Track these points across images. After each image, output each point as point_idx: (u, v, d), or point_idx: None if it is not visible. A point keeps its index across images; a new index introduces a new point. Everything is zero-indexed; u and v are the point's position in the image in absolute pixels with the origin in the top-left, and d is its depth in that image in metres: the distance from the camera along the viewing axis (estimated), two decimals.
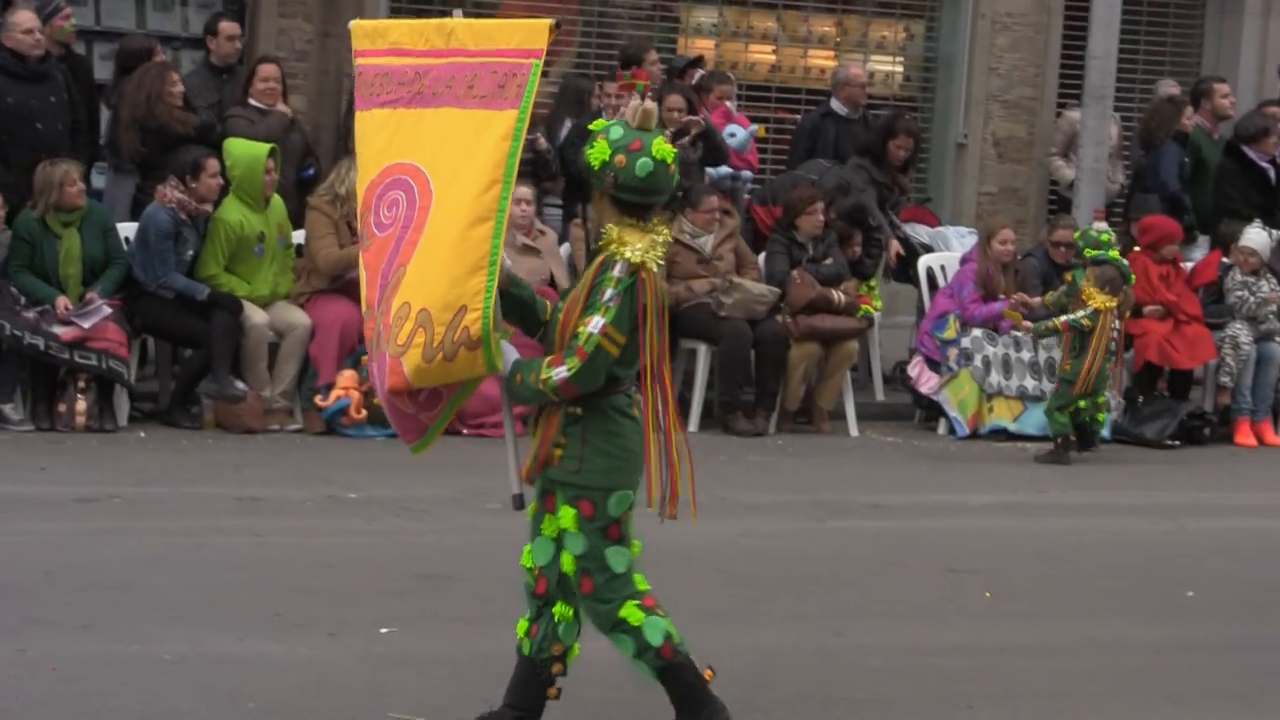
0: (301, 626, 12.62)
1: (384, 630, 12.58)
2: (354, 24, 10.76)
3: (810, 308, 19.77)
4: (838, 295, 19.89)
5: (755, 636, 12.89)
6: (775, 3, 25.39)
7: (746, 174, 21.53)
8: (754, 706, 11.40)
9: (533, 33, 9.83)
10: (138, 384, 18.87)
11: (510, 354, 9.63)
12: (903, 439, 19.89)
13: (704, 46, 24.56)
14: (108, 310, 18.13)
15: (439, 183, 9.73)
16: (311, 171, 19.68)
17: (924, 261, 21.23)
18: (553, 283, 19.20)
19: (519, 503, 9.90)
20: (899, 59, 25.52)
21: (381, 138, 10.16)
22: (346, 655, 12.10)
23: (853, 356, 20.22)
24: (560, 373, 9.33)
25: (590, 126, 9.60)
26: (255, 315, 18.50)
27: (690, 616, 13.06)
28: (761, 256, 20.22)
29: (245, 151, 18.53)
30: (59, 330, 17.83)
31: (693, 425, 19.72)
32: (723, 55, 24.68)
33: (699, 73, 22.56)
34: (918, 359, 20.30)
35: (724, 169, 21.38)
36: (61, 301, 17.96)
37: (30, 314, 17.83)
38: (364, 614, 12.89)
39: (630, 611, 9.72)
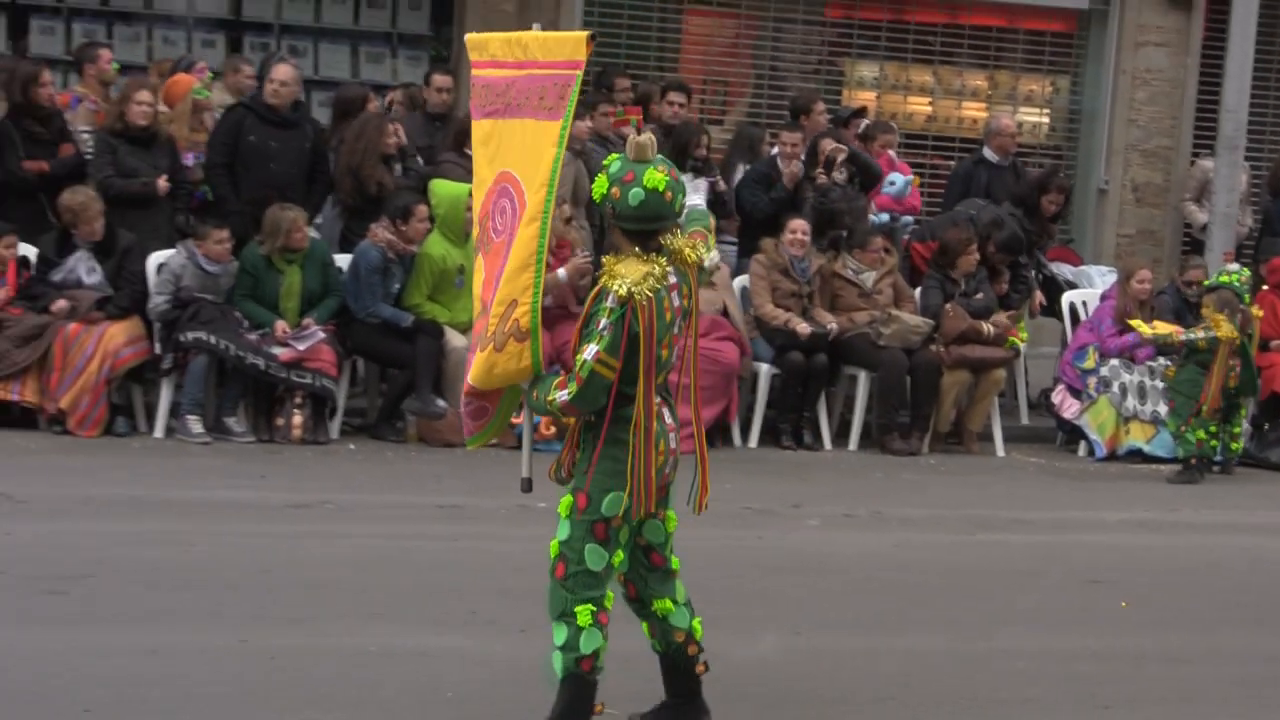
0: (494, 624, 12.68)
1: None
2: (468, 38, 10.87)
3: (961, 338, 19.67)
4: (987, 327, 19.78)
5: (908, 640, 12.84)
6: (932, 59, 25.28)
7: (907, 219, 21.44)
8: (905, 704, 11.48)
9: (576, 46, 9.96)
10: (348, 401, 18.91)
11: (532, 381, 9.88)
12: (1045, 460, 19.75)
13: (866, 98, 24.47)
14: (322, 335, 18.23)
15: (528, 190, 9.84)
16: None
17: (1067, 297, 21.11)
18: (725, 313, 19.14)
19: (527, 485, 10.44)
20: (1045, 111, 25.39)
21: (490, 147, 10.28)
22: (535, 651, 12.04)
23: (1000, 383, 20.10)
24: (563, 396, 9.53)
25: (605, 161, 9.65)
26: (455, 339, 18.51)
27: (847, 621, 13.21)
28: (918, 291, 20.06)
29: (449, 192, 18.55)
30: (278, 352, 17.92)
31: (852, 445, 19.70)
32: (883, 106, 24.60)
33: (863, 122, 22.45)
34: (1060, 386, 20.18)
35: (884, 215, 21.33)
36: (280, 326, 18.04)
37: (252, 337, 17.90)
38: (534, 608, 12.88)
39: (583, 612, 9.79)
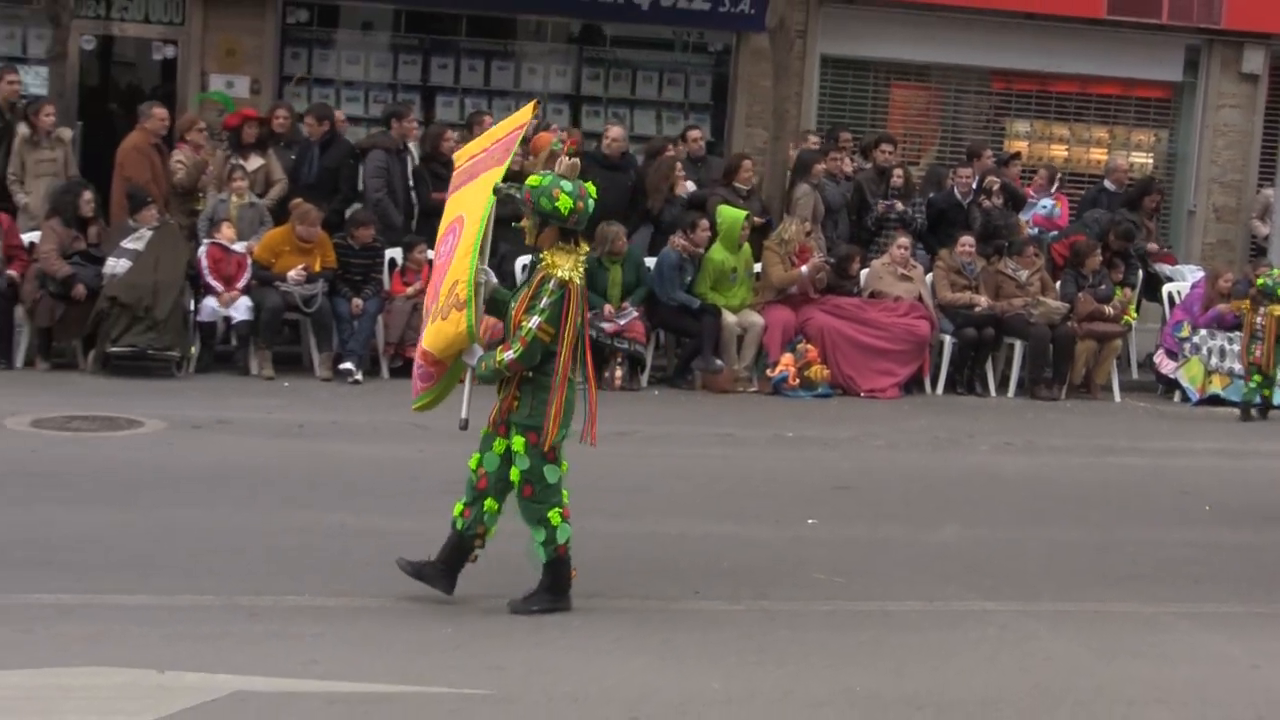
0: (758, 517, 12.71)
1: (810, 521, 12.72)
2: (455, 156, 11.57)
3: (1089, 317, 19.63)
4: (1108, 309, 19.74)
5: (1052, 532, 12.86)
6: (1067, 117, 25.15)
7: (1053, 233, 21.36)
8: (1054, 579, 11.48)
9: (525, 112, 10.60)
10: (653, 360, 18.90)
11: (477, 352, 9.76)
12: (1150, 404, 19.61)
13: (1020, 146, 24.38)
14: (635, 314, 18.30)
15: (469, 216, 10.02)
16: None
17: (1166, 288, 21.01)
18: (920, 299, 19.30)
19: (464, 425, 10.05)
20: (1150, 154, 25.17)
21: (452, 209, 10.49)
22: (785, 535, 12.27)
23: (1118, 349, 20.01)
24: (509, 355, 9.56)
25: (528, 182, 9.77)
26: (729, 318, 18.61)
27: (1006, 519, 13.19)
28: (1058, 283, 20.05)
29: (728, 214, 18.64)
30: (605, 326, 18.02)
31: (1010, 393, 19.58)
32: (1033, 151, 24.47)
33: (1018, 164, 22.52)
34: (1160, 351, 20.07)
35: (1035, 228, 21.34)
36: (608, 308, 18.10)
37: (589, 314, 18.04)
38: (797, 511, 13.02)
39: (554, 515, 9.80)
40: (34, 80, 21.33)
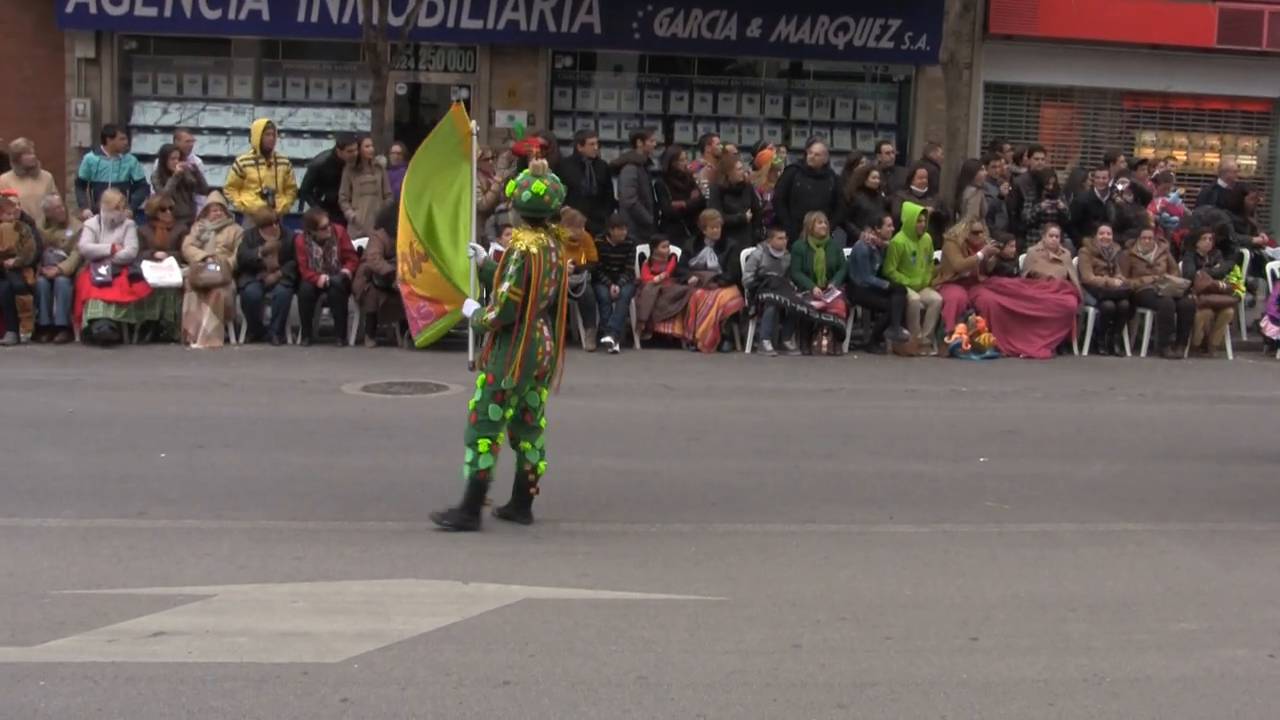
0: (939, 456, 12.64)
1: (982, 459, 12.59)
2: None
3: (1206, 290, 19.24)
4: (1223, 284, 19.33)
5: (1177, 467, 12.63)
6: (1186, 128, 24.65)
7: (1175, 219, 20.95)
8: (1177, 503, 11.31)
9: (459, 120, 11.14)
10: (853, 331, 18.79)
11: (471, 306, 10.15)
12: (1257, 361, 19.16)
13: (1148, 152, 23.94)
14: (837, 292, 18.21)
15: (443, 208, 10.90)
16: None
17: (1270, 266, 20.50)
18: (1068, 278, 18.99)
19: (472, 366, 10.39)
20: (1254, 157, 24.58)
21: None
22: (962, 470, 12.15)
23: (1230, 316, 19.54)
24: (491, 315, 9.61)
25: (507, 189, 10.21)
26: (912, 295, 18.47)
27: (1143, 454, 12.97)
28: (1180, 263, 19.65)
29: (909, 209, 18.57)
30: (814, 303, 17.99)
31: (1142, 354, 19.21)
32: (1159, 156, 24.00)
33: (1154, 169, 22.17)
34: (1266, 318, 19.56)
35: (1165, 215, 20.96)
36: (816, 289, 18.05)
37: (800, 294, 18.03)
38: (972, 450, 12.91)
39: (484, 444, 9.71)
40: (360, 120, 21.72)
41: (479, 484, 9.80)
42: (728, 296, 18.04)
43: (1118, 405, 15.74)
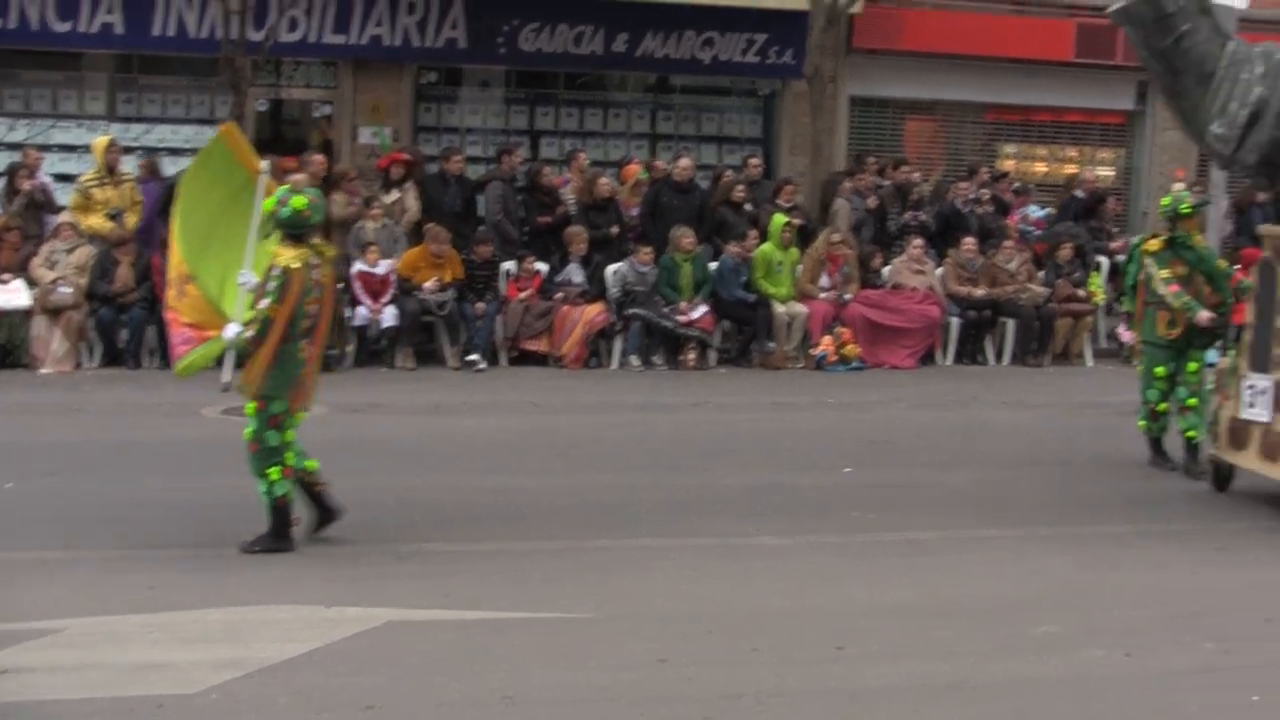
0: (806, 468, 12.61)
1: (848, 470, 12.66)
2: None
3: (1066, 299, 19.52)
4: (1082, 292, 19.59)
5: (1041, 473, 12.76)
6: (1046, 139, 25.00)
7: (1035, 232, 21.19)
8: (1041, 508, 11.48)
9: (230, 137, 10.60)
10: (720, 345, 18.82)
11: (232, 329, 9.60)
12: (1115, 368, 19.22)
13: (1009, 165, 24.15)
14: (703, 307, 18.22)
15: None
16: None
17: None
18: (932, 288, 19.16)
19: (225, 387, 10.08)
20: (1112, 168, 24.81)
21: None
22: (829, 481, 12.16)
23: (1090, 324, 19.81)
24: (250, 334, 9.43)
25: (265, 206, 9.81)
26: (778, 308, 18.50)
27: (1008, 463, 13.07)
28: (1041, 272, 19.92)
29: (776, 220, 18.62)
30: (680, 318, 18.01)
31: (1005, 362, 19.41)
32: (1020, 169, 24.26)
33: (1013, 181, 22.48)
34: (1122, 324, 19.64)
35: (1025, 226, 21.22)
36: (683, 304, 18.07)
37: (666, 309, 18.05)
38: (838, 461, 12.99)
39: (274, 472, 9.56)
40: None
41: (281, 510, 9.67)
42: (594, 312, 18.01)
43: (981, 413, 15.89)
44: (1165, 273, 12.57)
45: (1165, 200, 12.96)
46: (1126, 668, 7.90)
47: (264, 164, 10.42)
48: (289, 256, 9.51)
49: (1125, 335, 19.36)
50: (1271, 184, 11.87)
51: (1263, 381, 11.44)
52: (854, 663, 7.81)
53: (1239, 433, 11.72)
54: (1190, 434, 12.63)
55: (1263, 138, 11.16)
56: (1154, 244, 12.92)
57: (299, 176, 9.93)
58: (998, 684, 7.62)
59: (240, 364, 9.81)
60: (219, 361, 10.23)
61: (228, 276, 10.12)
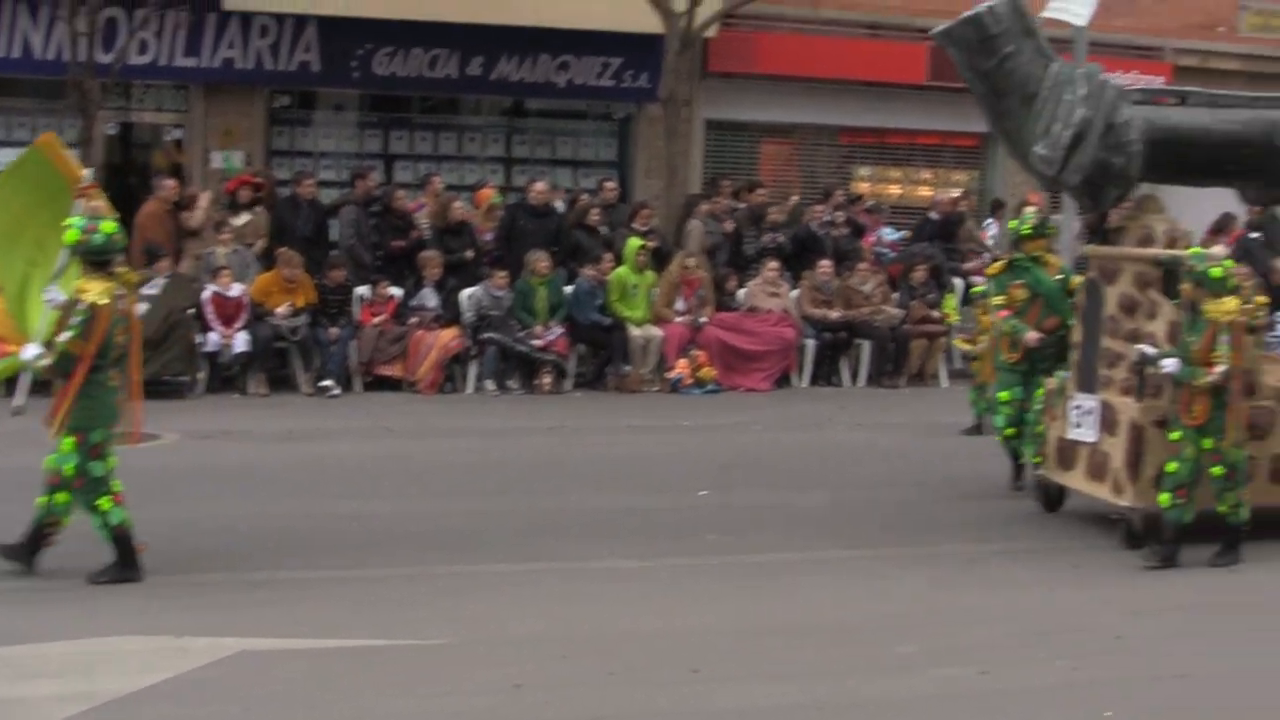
0: (661, 490, 12.68)
1: (703, 492, 12.70)
2: None
3: (921, 320, 19.72)
4: (936, 313, 19.84)
5: (893, 494, 12.88)
6: (900, 162, 25.29)
7: (890, 254, 21.40)
8: (892, 527, 11.52)
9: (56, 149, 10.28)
10: (576, 368, 18.78)
11: (32, 350, 9.36)
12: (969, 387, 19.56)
13: (864, 187, 24.41)
14: (559, 330, 18.22)
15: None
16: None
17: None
18: (787, 311, 19.30)
19: (16, 411, 9.67)
20: (966, 188, 25.04)
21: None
22: (684, 504, 12.23)
23: (944, 345, 20.01)
24: (45, 362, 9.27)
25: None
26: (634, 331, 18.57)
27: (863, 484, 13.16)
28: (895, 294, 20.17)
29: (631, 243, 18.72)
30: (536, 341, 18.01)
31: (861, 383, 19.55)
32: (875, 191, 24.51)
33: (868, 202, 22.70)
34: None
35: (880, 248, 21.44)
36: (538, 328, 18.09)
37: (521, 333, 18.03)
38: (693, 483, 12.99)
39: (104, 502, 9.38)
40: None
41: (122, 538, 9.49)
42: (449, 337, 17.95)
43: (836, 435, 16.03)
44: (999, 298, 12.73)
45: (1012, 223, 13.17)
46: (982, 686, 7.99)
47: (86, 172, 10.24)
48: (96, 291, 9.28)
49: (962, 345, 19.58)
50: (1095, 205, 11.87)
51: (1089, 402, 11.51)
52: (710, 684, 7.84)
53: (1066, 453, 11.79)
54: (1035, 459, 12.59)
55: (1085, 159, 11.23)
56: (995, 267, 13.16)
57: (96, 203, 9.65)
58: (854, 704, 7.68)
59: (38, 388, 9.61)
60: (10, 382, 9.98)
61: (32, 288, 9.88)
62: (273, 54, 21.42)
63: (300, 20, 21.25)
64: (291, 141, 22.55)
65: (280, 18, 21.18)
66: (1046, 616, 9.38)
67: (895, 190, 25.28)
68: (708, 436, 15.62)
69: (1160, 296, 11.22)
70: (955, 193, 23.58)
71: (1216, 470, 10.47)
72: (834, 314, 19.54)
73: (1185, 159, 11.73)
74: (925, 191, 24.91)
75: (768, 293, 19.41)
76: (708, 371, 18.58)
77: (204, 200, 18.65)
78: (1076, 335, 11.99)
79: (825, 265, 19.83)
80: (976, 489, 12.97)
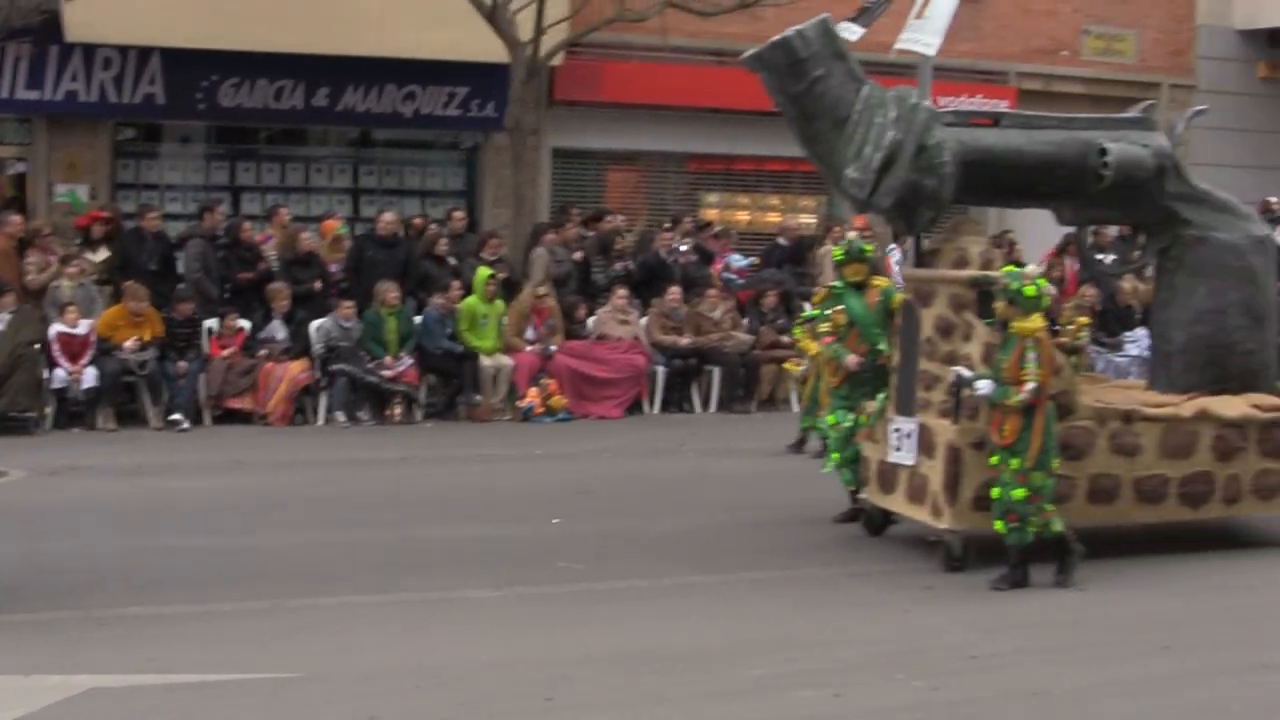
0: (513, 520, 12.73)
1: (556, 520, 12.75)
2: None
3: (770, 345, 19.90)
4: (788, 338, 19.79)
5: (745, 515, 12.97)
6: (748, 189, 25.53)
7: (738, 280, 21.54)
8: (742, 550, 11.56)
9: None
10: (426, 399, 18.84)
11: None
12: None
13: (712, 214, 24.58)
14: (409, 361, 18.23)
15: None
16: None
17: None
18: (637, 338, 19.41)
19: None
20: (814, 215, 25.35)
21: None
22: (535, 533, 12.26)
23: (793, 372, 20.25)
24: None
25: None
26: (484, 361, 18.60)
27: (710, 510, 13.17)
28: (745, 320, 20.39)
29: (480, 273, 18.77)
30: (385, 372, 18.00)
31: (712, 409, 19.72)
32: (723, 217, 24.70)
33: (715, 228, 22.87)
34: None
35: (728, 274, 21.58)
36: (388, 358, 18.09)
37: (371, 364, 18.01)
38: (545, 512, 13.04)
39: None
40: None
41: None
42: (298, 369, 17.88)
43: (688, 461, 16.14)
44: (825, 325, 12.76)
45: (835, 250, 13.25)
46: (837, 708, 8.06)
47: None
48: None
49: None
50: (909, 228, 11.86)
51: (907, 425, 11.48)
52: (564, 713, 7.88)
53: (887, 476, 11.82)
54: (850, 485, 12.67)
55: (896, 181, 11.16)
56: (821, 294, 13.22)
57: None
58: None
59: None
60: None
61: None
62: (117, 86, 21.24)
63: (144, 52, 21.11)
64: (137, 174, 22.38)
65: (124, 49, 21.03)
66: (901, 637, 9.47)
67: (743, 217, 25.50)
68: (559, 465, 15.67)
69: (975, 318, 11.21)
70: (804, 218, 23.85)
71: (1018, 493, 10.48)
72: (684, 340, 19.71)
73: (999, 181, 11.76)
74: (773, 217, 25.14)
75: (617, 320, 19.54)
76: (558, 400, 18.66)
77: (33, 259, 18.30)
78: (895, 358, 11.99)
79: (674, 292, 19.99)
80: (828, 512, 13.02)
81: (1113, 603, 10.44)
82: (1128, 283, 20.45)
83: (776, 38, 11.25)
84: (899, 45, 16.90)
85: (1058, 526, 10.68)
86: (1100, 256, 19.91)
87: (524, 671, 8.54)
